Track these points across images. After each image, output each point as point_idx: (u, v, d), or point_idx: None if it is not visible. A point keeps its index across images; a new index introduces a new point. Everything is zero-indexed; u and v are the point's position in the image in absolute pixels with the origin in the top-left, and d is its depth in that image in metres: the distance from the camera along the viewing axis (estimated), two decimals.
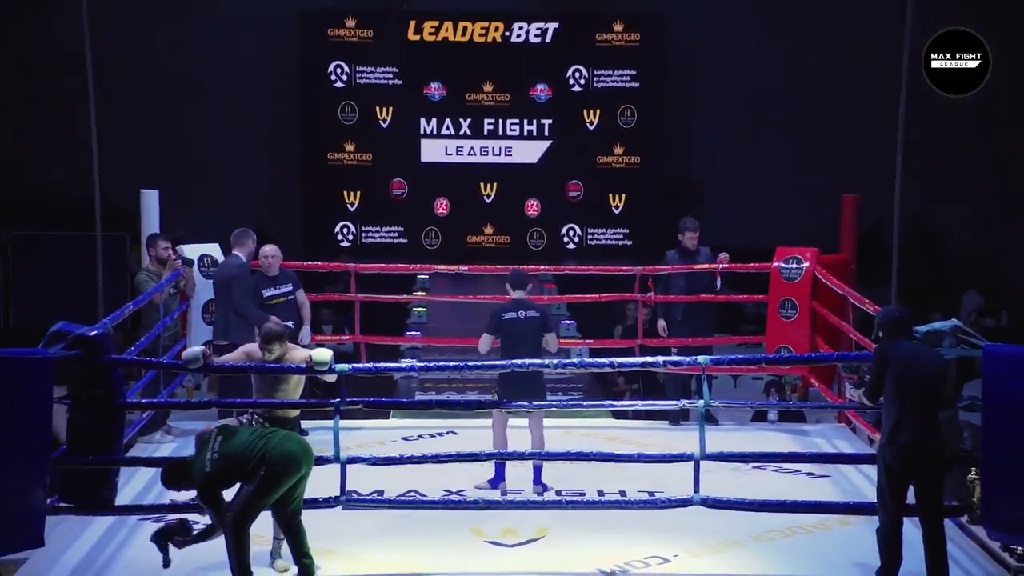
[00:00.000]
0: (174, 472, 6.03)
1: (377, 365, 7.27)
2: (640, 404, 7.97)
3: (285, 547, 6.17)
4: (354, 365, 6.80)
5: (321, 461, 6.33)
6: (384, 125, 13.65)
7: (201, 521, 6.02)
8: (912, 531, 6.06)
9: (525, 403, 7.10)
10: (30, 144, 14.37)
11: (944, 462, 6.05)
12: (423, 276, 11.30)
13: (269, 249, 8.69)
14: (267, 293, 8.60)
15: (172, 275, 8.71)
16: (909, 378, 5.91)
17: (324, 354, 6.45)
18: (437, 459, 6.84)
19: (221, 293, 8.56)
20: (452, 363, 7.46)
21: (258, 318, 8.20)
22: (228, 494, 5.98)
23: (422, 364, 8.46)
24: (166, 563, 5.86)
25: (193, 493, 6.00)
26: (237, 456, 5.85)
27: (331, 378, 6.55)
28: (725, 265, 9.29)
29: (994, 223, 14.62)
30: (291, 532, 6.01)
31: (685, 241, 9.35)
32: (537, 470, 7.39)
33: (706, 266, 9.40)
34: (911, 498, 6.05)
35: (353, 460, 6.61)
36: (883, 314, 6.24)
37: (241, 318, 8.33)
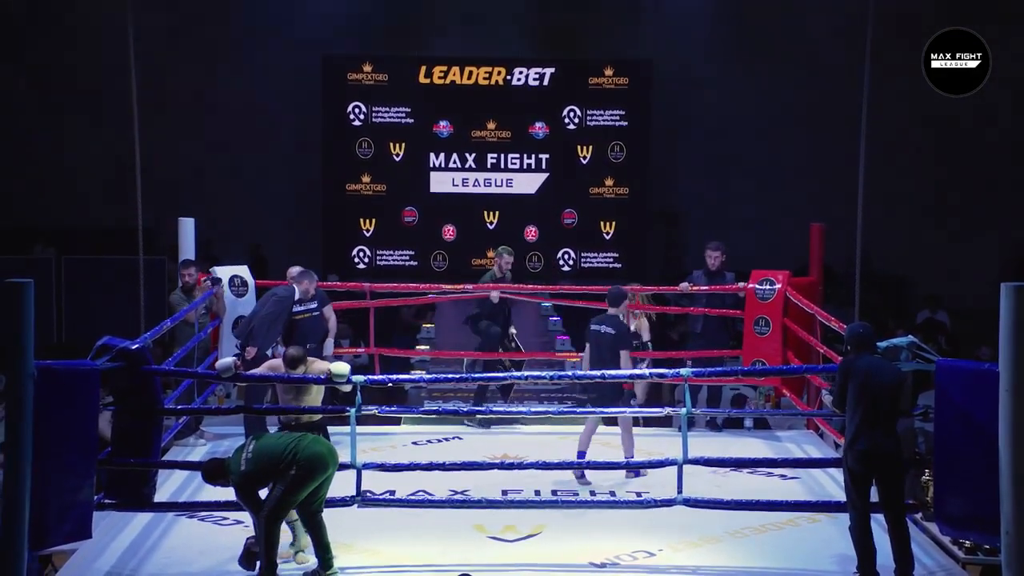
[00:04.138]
0: (212, 469, 6.06)
1: (390, 377, 7.28)
2: (630, 411, 7.96)
3: (307, 540, 6.18)
4: (369, 377, 6.81)
5: (340, 467, 6.37)
6: (397, 159, 13.68)
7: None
8: (875, 527, 6.09)
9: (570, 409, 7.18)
10: (81, 178, 14.45)
11: (900, 464, 6.08)
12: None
13: (298, 270, 8.77)
14: (295, 309, 8.63)
15: (203, 296, 8.75)
16: (867, 388, 5.94)
17: (342, 368, 6.49)
18: (442, 467, 6.82)
19: (259, 303, 8.59)
20: (457, 375, 7.50)
21: (264, 340, 8.21)
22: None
23: (431, 376, 8.46)
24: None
25: (229, 491, 6.04)
26: (271, 457, 5.87)
27: (348, 388, 6.58)
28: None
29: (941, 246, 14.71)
30: (313, 527, 6.02)
31: (708, 259, 9.42)
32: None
33: (687, 287, 9.43)
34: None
35: (368, 466, 6.62)
36: (849, 330, 6.27)
37: (258, 329, 8.35)
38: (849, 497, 6.05)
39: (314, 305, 8.72)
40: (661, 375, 7.61)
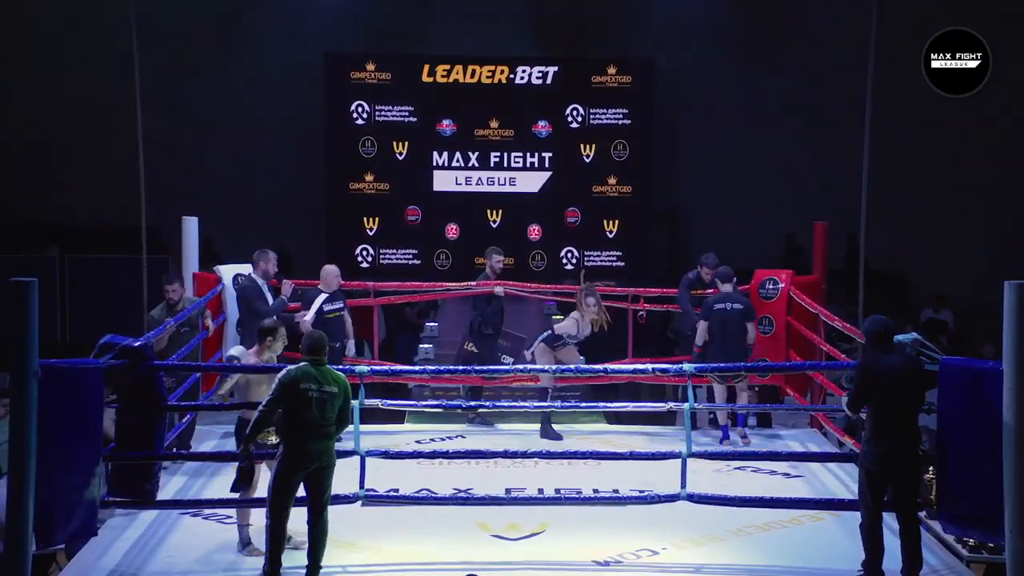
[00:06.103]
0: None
1: (393, 368, 7.28)
2: (632, 406, 7.95)
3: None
4: (373, 367, 6.82)
5: (344, 455, 6.39)
6: (400, 158, 13.66)
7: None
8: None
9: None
10: (85, 178, 14.44)
11: (917, 465, 6.05)
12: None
13: (332, 269, 8.80)
14: (326, 308, 8.63)
15: (188, 309, 8.52)
16: (889, 389, 5.89)
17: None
18: (446, 455, 6.84)
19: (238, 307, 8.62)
20: (461, 368, 7.48)
21: (274, 307, 8.29)
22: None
23: (434, 368, 8.44)
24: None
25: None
26: (306, 393, 5.81)
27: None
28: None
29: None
30: (311, 530, 5.93)
31: (702, 274, 9.35)
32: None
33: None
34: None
35: (371, 453, 6.65)
36: (867, 325, 6.21)
37: (246, 331, 8.36)
38: (863, 496, 6.01)
39: (341, 304, 8.75)
40: (663, 370, 7.62)
